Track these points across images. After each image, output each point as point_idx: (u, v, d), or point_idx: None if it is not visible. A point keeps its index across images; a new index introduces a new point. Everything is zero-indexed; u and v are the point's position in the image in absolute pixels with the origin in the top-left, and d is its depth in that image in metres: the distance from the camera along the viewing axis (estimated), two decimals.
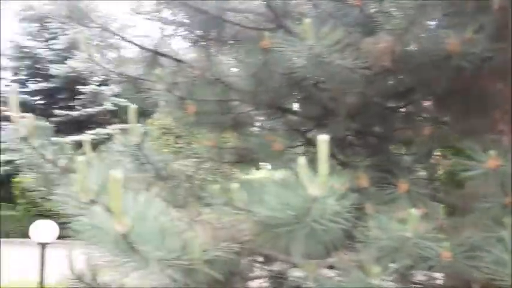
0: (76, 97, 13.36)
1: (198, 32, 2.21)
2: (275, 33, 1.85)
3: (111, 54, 2.52)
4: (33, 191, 2.06)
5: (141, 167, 2.06)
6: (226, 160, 2.45)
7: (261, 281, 2.26)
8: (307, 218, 1.17)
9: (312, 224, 1.17)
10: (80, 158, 1.36)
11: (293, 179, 1.21)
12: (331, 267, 1.55)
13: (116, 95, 13.85)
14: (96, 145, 1.92)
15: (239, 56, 2.17)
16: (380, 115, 2.26)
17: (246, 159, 2.38)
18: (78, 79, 13.45)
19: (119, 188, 1.02)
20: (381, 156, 2.29)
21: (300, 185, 1.14)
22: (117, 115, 14.11)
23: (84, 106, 13.42)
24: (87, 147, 1.88)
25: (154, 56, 2.35)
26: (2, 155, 12.50)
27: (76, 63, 13.23)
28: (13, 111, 1.77)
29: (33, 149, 1.84)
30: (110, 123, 13.49)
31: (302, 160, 1.14)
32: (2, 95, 13.29)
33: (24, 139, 1.82)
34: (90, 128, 12.32)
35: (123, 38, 2.33)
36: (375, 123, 2.38)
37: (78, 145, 1.95)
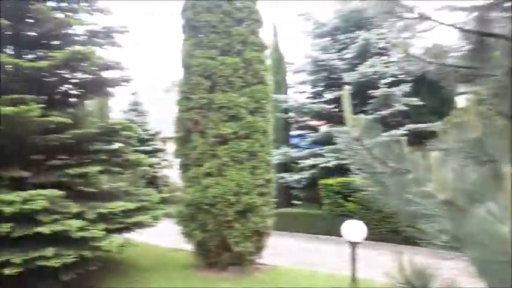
0: (368, 101, 13.79)
1: None
2: None
3: (428, 45, 2.37)
4: (362, 191, 2.09)
5: (476, 166, 1.81)
6: None
7: None
8: None
9: None
10: (434, 155, 1.26)
11: None
12: None
13: (406, 95, 13.65)
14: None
15: None
16: None
17: None
18: (369, 83, 13.86)
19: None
20: None
21: None
22: (409, 116, 13.86)
23: (376, 109, 13.72)
24: (404, 147, 1.80)
25: (480, 38, 2.07)
26: (307, 160, 14.03)
27: (366, 69, 13.70)
28: (347, 113, 1.82)
29: (366, 150, 1.85)
30: (402, 125, 13.36)
31: None
32: (305, 106, 14.98)
33: (356, 140, 1.85)
34: (383, 131, 12.47)
35: (441, 23, 2.14)
36: None
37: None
